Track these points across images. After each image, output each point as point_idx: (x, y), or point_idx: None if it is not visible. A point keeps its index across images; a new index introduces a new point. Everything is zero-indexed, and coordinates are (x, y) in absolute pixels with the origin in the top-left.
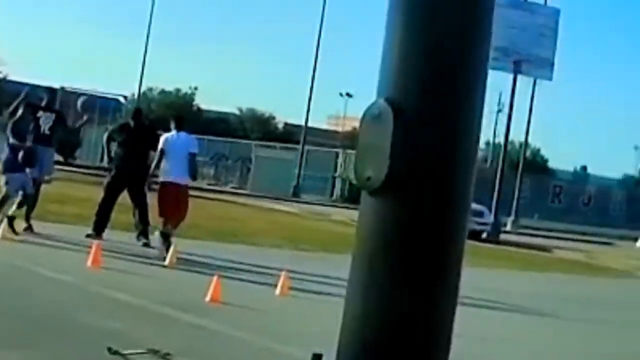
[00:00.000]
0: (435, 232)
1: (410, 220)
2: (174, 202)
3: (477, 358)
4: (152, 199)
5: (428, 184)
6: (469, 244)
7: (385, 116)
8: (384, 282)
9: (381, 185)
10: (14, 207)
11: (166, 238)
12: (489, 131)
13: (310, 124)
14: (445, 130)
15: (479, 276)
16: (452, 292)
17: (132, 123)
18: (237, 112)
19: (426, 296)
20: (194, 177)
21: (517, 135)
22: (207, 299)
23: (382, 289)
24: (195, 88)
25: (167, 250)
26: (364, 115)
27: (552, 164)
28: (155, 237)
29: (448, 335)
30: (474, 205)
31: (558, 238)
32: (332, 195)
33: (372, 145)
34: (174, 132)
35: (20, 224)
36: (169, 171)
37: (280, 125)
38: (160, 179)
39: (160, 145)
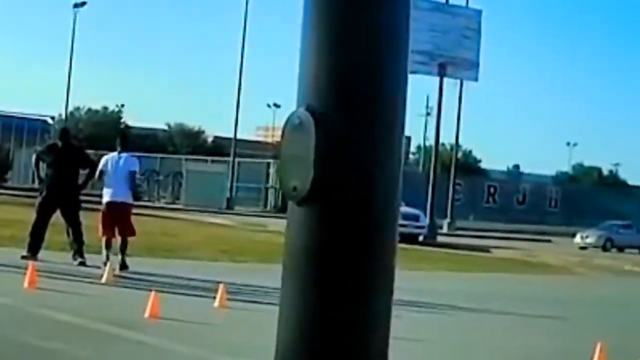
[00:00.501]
0: (363, 239)
1: (337, 229)
2: (120, 221)
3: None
4: (86, 218)
5: (354, 192)
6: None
7: (307, 125)
8: (313, 292)
9: (307, 195)
10: None
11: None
12: (419, 135)
13: (239, 136)
14: (369, 137)
15: (418, 279)
16: (385, 297)
17: (59, 143)
18: (165, 127)
19: (358, 304)
20: (134, 195)
21: (447, 138)
22: (146, 314)
23: (312, 300)
24: (122, 105)
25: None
26: (285, 124)
27: (484, 165)
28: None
29: (385, 340)
30: (409, 210)
31: (495, 238)
32: (265, 205)
33: (296, 155)
34: (116, 152)
35: None
36: (112, 192)
37: (210, 139)
38: (104, 199)
39: (100, 167)
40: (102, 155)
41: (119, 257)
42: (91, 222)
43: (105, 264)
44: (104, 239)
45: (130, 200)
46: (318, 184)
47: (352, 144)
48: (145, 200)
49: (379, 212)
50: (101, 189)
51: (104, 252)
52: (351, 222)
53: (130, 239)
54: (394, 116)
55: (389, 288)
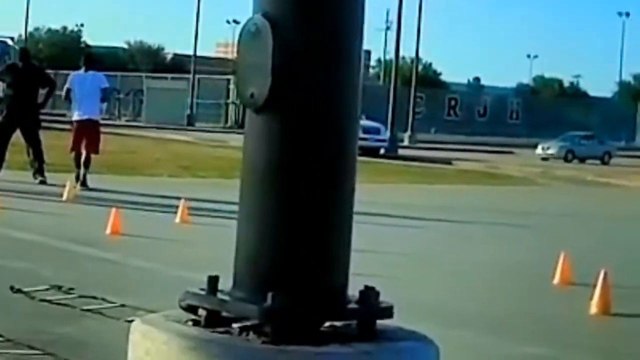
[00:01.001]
0: (323, 147)
1: (297, 136)
2: (89, 137)
3: (379, 271)
4: (46, 137)
5: (312, 97)
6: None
7: (264, 31)
8: (273, 203)
9: (265, 102)
10: None
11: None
12: (379, 49)
13: (199, 53)
14: (326, 41)
15: (380, 192)
16: (346, 208)
17: (19, 64)
18: (125, 45)
19: (318, 214)
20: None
21: (407, 52)
22: (108, 231)
23: (272, 211)
24: (82, 25)
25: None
26: (242, 32)
27: (445, 78)
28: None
29: (346, 253)
30: (370, 123)
31: (457, 150)
32: (226, 121)
33: (253, 63)
34: (82, 70)
35: None
36: (82, 109)
37: (170, 56)
38: (74, 117)
39: (67, 85)
40: (62, 75)
41: (81, 172)
42: (52, 142)
43: (77, 179)
44: (73, 155)
45: (99, 117)
46: (276, 90)
47: (309, 50)
48: (106, 119)
49: (338, 118)
50: (68, 109)
51: (76, 169)
52: (310, 129)
53: (91, 156)
54: (352, 23)
55: (350, 198)
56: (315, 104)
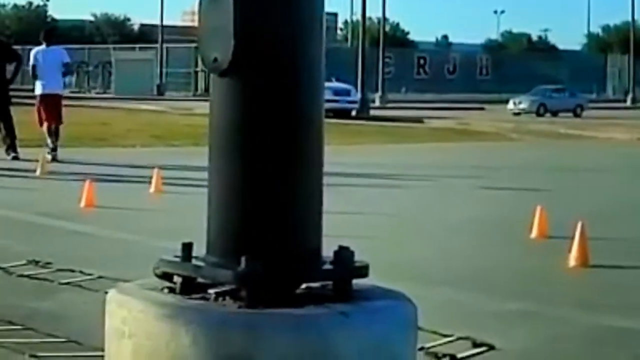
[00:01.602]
0: (289, 108)
1: (262, 99)
2: (52, 111)
3: (356, 232)
4: (17, 113)
5: (275, 60)
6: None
7: None
8: (239, 167)
9: (228, 66)
10: None
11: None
12: (347, 11)
13: (166, 22)
14: (288, 3)
15: (353, 153)
16: (315, 168)
17: None
18: (91, 18)
19: (287, 175)
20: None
21: (374, 12)
22: (82, 204)
23: (239, 174)
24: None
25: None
26: None
27: (413, 37)
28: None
29: (317, 214)
30: (340, 85)
31: (428, 108)
32: (196, 89)
33: (215, 27)
34: (43, 46)
35: None
36: (44, 84)
37: (136, 27)
38: (37, 92)
39: (31, 62)
40: (29, 51)
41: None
42: (22, 117)
43: (53, 150)
44: (45, 128)
45: (61, 91)
46: (239, 53)
47: (270, 11)
48: (76, 92)
49: (303, 78)
50: (33, 84)
51: (48, 139)
52: (274, 90)
53: (62, 130)
54: None
55: (318, 159)
56: (279, 65)
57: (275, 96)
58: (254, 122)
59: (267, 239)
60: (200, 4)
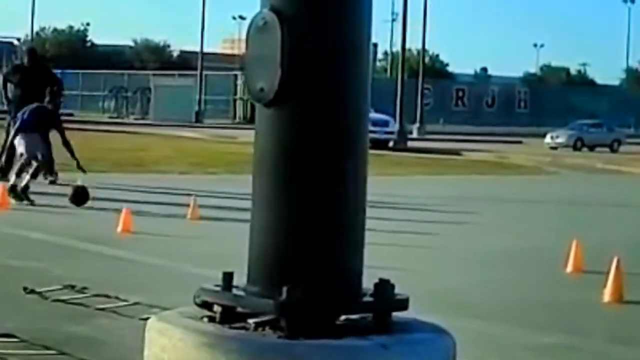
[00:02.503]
0: (333, 137)
1: (307, 128)
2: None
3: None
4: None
5: (322, 90)
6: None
7: (272, 25)
8: (285, 193)
9: (275, 96)
10: None
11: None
12: (386, 42)
13: (205, 49)
14: (335, 34)
15: (391, 184)
16: (359, 195)
17: (26, 63)
18: (131, 43)
19: (331, 202)
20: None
21: (414, 43)
22: (119, 229)
23: (285, 200)
24: (88, 24)
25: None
26: (250, 27)
27: (452, 69)
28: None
29: (360, 239)
30: (379, 115)
31: (466, 141)
32: (235, 117)
33: (262, 56)
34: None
35: None
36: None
37: (176, 53)
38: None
39: None
40: (68, 75)
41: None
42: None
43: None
44: None
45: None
46: (285, 83)
47: (318, 42)
48: (114, 117)
49: (348, 109)
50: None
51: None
52: (321, 120)
53: (100, 155)
54: (360, 15)
55: (363, 185)
56: (325, 96)
57: (322, 125)
58: (299, 151)
59: (309, 269)
60: (248, 33)
